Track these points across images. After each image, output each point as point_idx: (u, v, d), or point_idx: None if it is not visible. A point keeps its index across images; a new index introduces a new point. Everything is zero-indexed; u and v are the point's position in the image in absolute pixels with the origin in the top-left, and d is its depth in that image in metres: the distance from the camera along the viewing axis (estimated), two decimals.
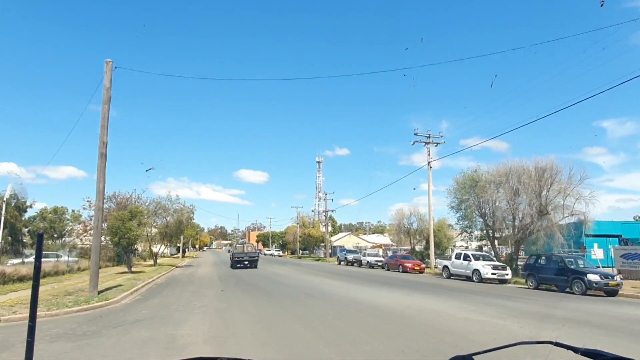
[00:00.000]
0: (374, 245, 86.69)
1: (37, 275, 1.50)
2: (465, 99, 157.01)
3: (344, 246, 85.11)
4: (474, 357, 1.46)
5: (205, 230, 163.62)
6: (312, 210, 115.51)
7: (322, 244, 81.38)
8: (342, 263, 48.44)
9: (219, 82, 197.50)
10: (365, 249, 52.09)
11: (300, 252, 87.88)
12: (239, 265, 36.18)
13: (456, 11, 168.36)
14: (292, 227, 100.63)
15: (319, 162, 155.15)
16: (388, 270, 35.09)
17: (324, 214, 63.49)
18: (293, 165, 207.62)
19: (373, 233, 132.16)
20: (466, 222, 28.55)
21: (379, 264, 39.06)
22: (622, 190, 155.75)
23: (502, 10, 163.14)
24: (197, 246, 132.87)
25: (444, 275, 26.68)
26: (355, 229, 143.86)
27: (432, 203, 42.19)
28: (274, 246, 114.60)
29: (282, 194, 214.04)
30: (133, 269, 32.75)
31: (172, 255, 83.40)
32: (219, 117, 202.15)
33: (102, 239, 34.94)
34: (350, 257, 46.35)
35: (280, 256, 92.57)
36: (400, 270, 32.70)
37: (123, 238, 27.25)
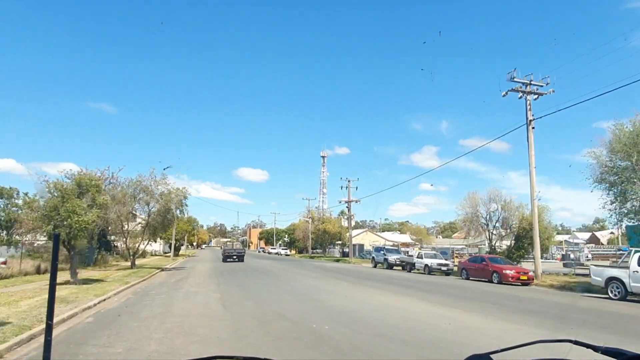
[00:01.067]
0: (396, 243, 75.69)
1: (53, 276, 1.61)
2: (470, 97, 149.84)
3: (363, 245, 74.09)
4: (491, 355, 1.41)
5: (205, 227, 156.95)
6: (316, 207, 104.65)
7: (339, 242, 70.14)
8: (378, 266, 37.42)
9: (218, 79, 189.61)
10: (421, 249, 41.03)
11: (311, 250, 76.58)
12: (228, 259, 41.77)
13: (463, 9, 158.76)
14: (301, 222, 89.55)
15: (323, 157, 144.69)
16: (467, 278, 24.01)
17: (345, 205, 52.39)
18: (294, 164, 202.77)
19: (382, 231, 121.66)
20: (626, 205, 17.33)
21: (443, 268, 27.99)
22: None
23: (518, 6, 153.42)
24: (194, 244, 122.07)
25: (612, 294, 15.41)
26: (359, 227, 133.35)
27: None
28: (278, 244, 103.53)
29: (282, 193, 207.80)
30: (96, 275, 22.19)
31: (165, 253, 71.74)
32: (218, 115, 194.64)
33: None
34: (392, 258, 35.22)
35: (287, 255, 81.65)
36: (496, 281, 21.58)
37: (62, 226, 16.23)
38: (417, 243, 78.80)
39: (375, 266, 37.77)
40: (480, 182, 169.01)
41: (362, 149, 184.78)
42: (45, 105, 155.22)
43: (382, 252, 37.14)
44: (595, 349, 1.35)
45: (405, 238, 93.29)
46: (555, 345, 1.53)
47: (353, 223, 53.86)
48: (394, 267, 35.01)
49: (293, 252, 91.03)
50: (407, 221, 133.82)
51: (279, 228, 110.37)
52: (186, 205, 34.14)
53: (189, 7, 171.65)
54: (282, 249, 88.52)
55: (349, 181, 53.29)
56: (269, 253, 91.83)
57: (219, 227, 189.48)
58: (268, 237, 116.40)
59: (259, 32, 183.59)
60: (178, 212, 33.35)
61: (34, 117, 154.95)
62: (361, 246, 69.55)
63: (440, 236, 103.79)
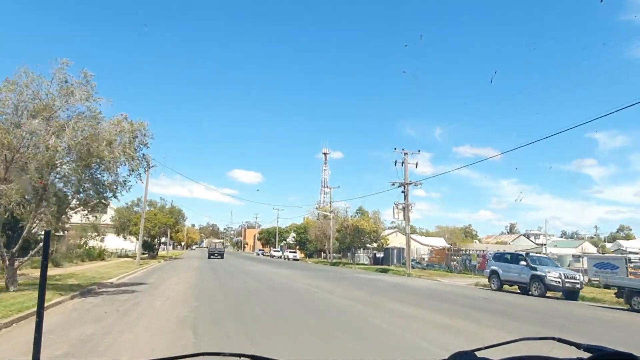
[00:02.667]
0: (435, 248, 58.36)
1: (44, 274, 1.55)
2: (461, 105, 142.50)
3: (402, 249, 56.69)
4: (476, 352, 1.40)
5: (197, 227, 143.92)
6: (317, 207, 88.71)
7: (374, 244, 52.56)
8: (504, 286, 20.00)
9: (213, 81, 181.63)
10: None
11: (332, 255, 58.68)
12: (212, 256, 52.77)
13: (454, 11, 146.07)
14: (309, 220, 72.13)
15: (325, 154, 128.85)
16: None
17: (401, 188, 34.43)
18: (288, 168, 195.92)
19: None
20: None
21: None
22: (612, 202, 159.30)
23: (502, 11, 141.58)
24: (183, 243, 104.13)
25: None
26: None
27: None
28: (280, 246, 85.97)
29: (276, 195, 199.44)
30: None
31: (143, 254, 52.42)
32: (213, 116, 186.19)
33: None
34: (553, 276, 17.56)
35: (295, 260, 64.31)
36: None
37: None
38: (458, 247, 61.33)
39: (500, 288, 20.24)
40: (472, 189, 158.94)
41: (356, 153, 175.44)
42: None
43: (523, 262, 19.32)
44: (577, 346, 1.35)
45: (440, 241, 76.31)
46: (539, 343, 1.51)
47: (411, 217, 36.11)
48: (551, 291, 17.72)
49: (301, 255, 73.63)
50: (412, 225, 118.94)
51: (282, 227, 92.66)
52: (147, 163, 16.47)
53: (185, 3, 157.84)
54: (290, 251, 70.92)
55: (405, 153, 35.63)
56: (272, 256, 74.46)
57: (211, 228, 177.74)
58: (268, 238, 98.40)
59: (256, 34, 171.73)
60: (129, 170, 15.41)
61: None
62: (399, 250, 52.09)
63: (477, 241, 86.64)
